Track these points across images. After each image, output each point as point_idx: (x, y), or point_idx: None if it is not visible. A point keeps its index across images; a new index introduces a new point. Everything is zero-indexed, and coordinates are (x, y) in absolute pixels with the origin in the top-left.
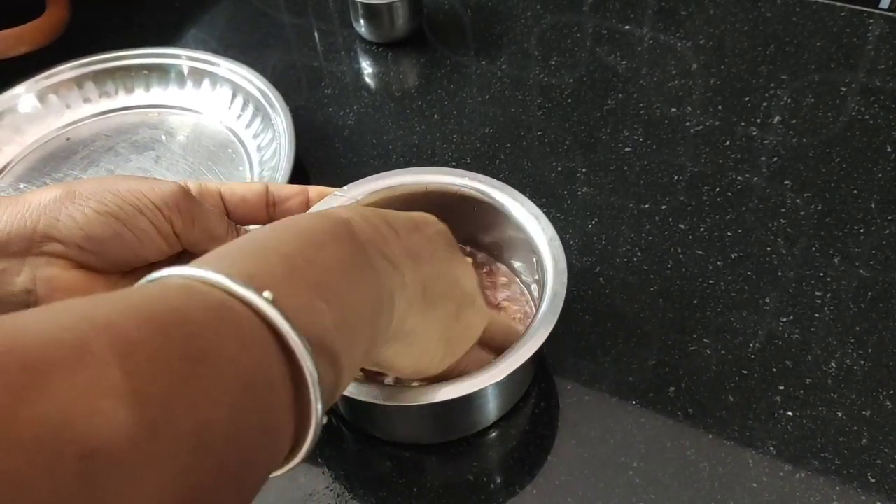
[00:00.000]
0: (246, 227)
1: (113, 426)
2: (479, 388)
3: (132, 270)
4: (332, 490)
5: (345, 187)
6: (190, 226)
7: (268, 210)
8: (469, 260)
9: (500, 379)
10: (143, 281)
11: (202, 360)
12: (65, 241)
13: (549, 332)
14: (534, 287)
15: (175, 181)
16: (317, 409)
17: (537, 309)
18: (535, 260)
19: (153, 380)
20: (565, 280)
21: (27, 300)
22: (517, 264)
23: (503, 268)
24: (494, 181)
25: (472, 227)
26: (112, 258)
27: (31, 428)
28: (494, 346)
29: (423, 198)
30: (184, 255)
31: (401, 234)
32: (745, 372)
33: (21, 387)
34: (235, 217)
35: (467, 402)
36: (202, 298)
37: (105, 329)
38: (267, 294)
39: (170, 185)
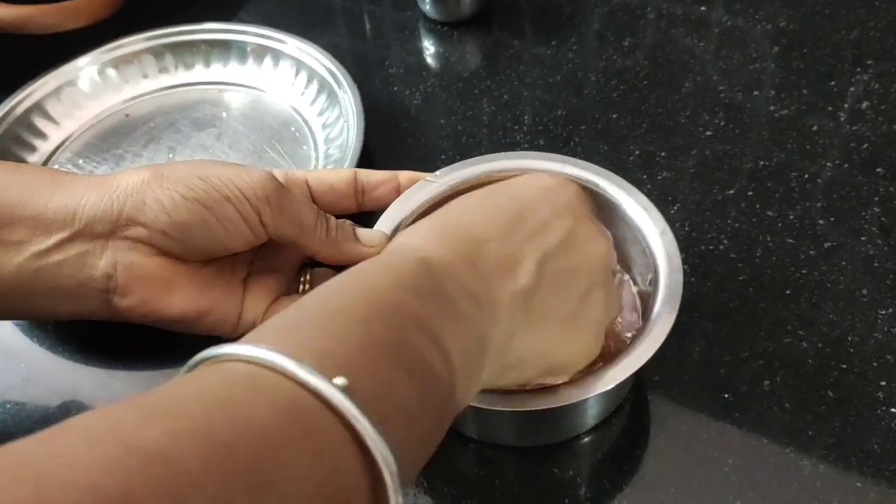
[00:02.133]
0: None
1: None
2: (584, 397)
3: (213, 259)
4: None
5: (437, 172)
6: (279, 217)
7: (356, 198)
8: (607, 234)
9: (610, 387)
10: (199, 357)
11: (269, 486)
12: (149, 226)
13: (666, 334)
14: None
15: (264, 169)
16: None
17: (650, 309)
18: (645, 256)
19: None
20: (681, 278)
21: (107, 285)
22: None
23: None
24: (599, 168)
25: None
26: (196, 246)
27: None
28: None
29: None
30: (268, 245)
31: (493, 247)
32: (844, 366)
33: None
34: (323, 205)
35: (566, 412)
36: (270, 397)
37: (153, 463)
38: (340, 380)
39: (259, 173)
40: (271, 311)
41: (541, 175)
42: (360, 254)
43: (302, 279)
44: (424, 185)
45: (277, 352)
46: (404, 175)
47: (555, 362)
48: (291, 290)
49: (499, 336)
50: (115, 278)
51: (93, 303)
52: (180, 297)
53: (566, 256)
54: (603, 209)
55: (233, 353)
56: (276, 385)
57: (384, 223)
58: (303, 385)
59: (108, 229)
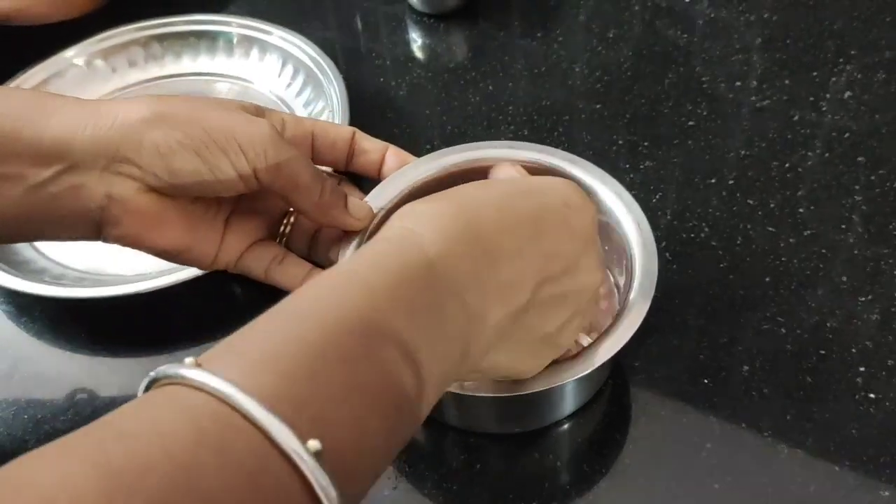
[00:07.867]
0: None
1: None
2: (562, 382)
3: (201, 197)
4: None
5: (420, 159)
6: (275, 173)
7: (347, 159)
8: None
9: (587, 372)
10: (165, 373)
11: None
12: (144, 168)
13: (641, 320)
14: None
15: (268, 121)
16: None
17: (626, 293)
18: (619, 241)
19: None
20: (656, 264)
21: (100, 217)
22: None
23: None
24: (572, 156)
25: None
26: (185, 189)
27: None
28: None
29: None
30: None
31: (502, 263)
32: (823, 352)
33: None
34: (320, 158)
35: (545, 397)
36: (238, 459)
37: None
38: (314, 444)
39: (261, 126)
40: (247, 256)
41: (567, 187)
42: (346, 224)
43: (285, 221)
44: (413, 168)
45: (253, 398)
46: (392, 150)
47: (513, 373)
48: (273, 232)
49: (480, 349)
50: (109, 210)
51: (85, 231)
52: (167, 233)
53: (563, 283)
54: None
55: (206, 385)
56: (246, 445)
57: (372, 201)
58: (275, 445)
59: (104, 164)
